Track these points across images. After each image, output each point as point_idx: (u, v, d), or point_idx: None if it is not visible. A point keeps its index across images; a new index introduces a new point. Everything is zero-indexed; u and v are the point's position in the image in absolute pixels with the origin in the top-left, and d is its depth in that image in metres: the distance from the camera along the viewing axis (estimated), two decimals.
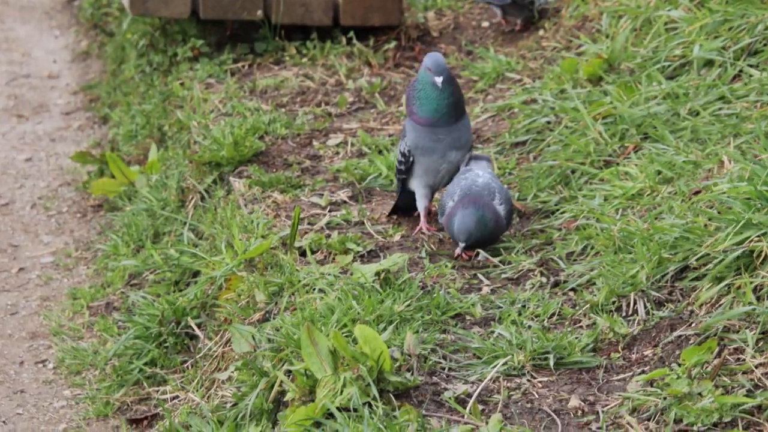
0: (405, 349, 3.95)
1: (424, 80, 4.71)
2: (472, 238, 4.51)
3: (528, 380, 3.92)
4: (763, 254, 3.96)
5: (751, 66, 5.04)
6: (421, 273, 4.46)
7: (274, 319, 4.37)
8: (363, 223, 4.87)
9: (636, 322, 4.10)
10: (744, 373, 3.69)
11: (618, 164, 4.86)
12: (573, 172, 4.95)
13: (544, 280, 4.40)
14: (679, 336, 3.95)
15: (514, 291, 4.35)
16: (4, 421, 4.76)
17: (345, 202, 5.07)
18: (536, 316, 4.19)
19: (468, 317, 4.23)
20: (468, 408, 3.77)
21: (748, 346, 3.76)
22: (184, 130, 6.04)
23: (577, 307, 4.22)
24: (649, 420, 3.67)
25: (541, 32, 6.21)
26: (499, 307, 4.26)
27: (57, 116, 7.12)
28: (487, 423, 3.68)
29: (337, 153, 5.52)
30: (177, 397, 4.62)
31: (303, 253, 4.67)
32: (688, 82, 5.11)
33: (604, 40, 5.70)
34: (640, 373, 3.88)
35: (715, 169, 4.54)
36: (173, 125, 6.17)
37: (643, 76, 5.26)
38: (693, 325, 3.97)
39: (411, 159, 4.76)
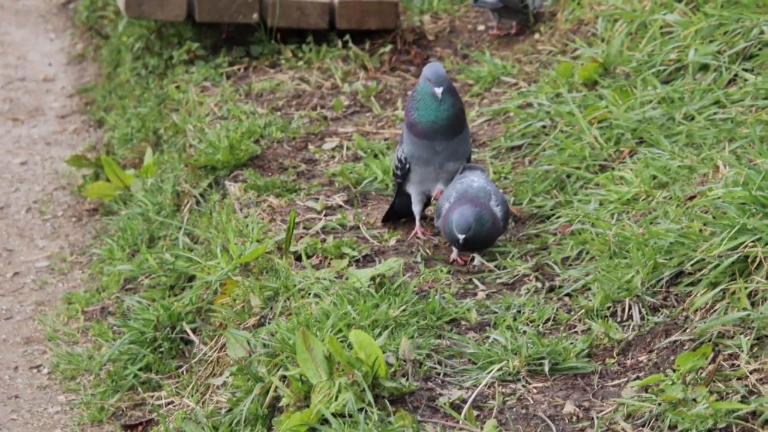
0: (400, 354, 3.95)
1: (424, 91, 4.68)
2: (472, 230, 4.47)
3: (523, 386, 3.92)
4: (758, 260, 3.96)
5: (746, 70, 5.05)
6: (416, 278, 4.46)
7: (269, 323, 4.37)
8: (358, 228, 4.87)
9: (631, 327, 4.10)
10: (739, 378, 3.69)
11: (613, 169, 4.86)
12: (568, 176, 4.95)
13: (539, 285, 4.40)
14: (674, 341, 3.95)
15: (510, 296, 4.35)
16: None
17: (340, 206, 5.07)
18: (531, 322, 4.19)
19: (463, 322, 4.23)
20: (463, 414, 3.77)
21: (742, 351, 3.76)
22: (179, 133, 6.04)
23: (572, 313, 4.22)
24: (643, 426, 3.67)
25: (536, 36, 6.21)
26: (495, 313, 4.26)
27: (52, 120, 7.12)
28: (482, 429, 3.68)
29: (333, 157, 5.52)
30: (172, 402, 4.61)
31: (298, 258, 4.66)
32: (683, 87, 5.12)
33: (599, 44, 5.70)
34: (635, 379, 3.88)
35: (710, 173, 4.54)
36: (169, 129, 6.17)
37: (638, 80, 5.26)
38: (688, 330, 3.97)
39: (407, 166, 4.75)
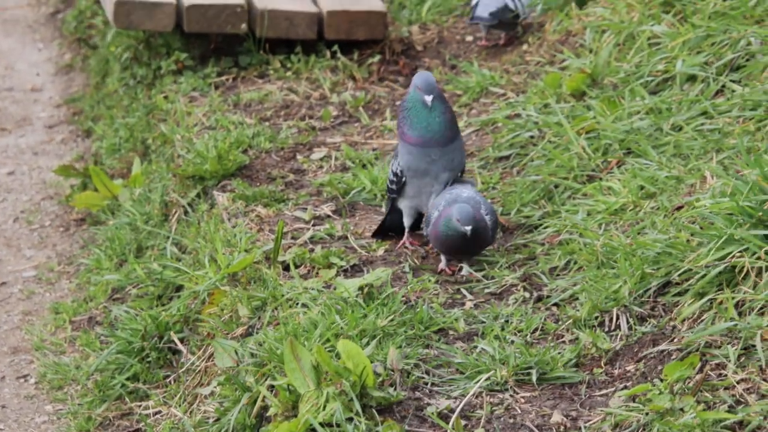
0: (388, 364, 3.95)
1: (414, 99, 4.68)
2: (473, 222, 4.45)
3: (511, 395, 3.92)
4: (745, 270, 3.97)
5: (733, 81, 5.06)
6: (404, 288, 4.46)
7: (257, 333, 4.37)
8: (347, 238, 4.87)
9: (618, 337, 4.10)
10: (726, 388, 3.69)
11: (601, 179, 4.87)
12: (556, 186, 4.96)
13: (527, 295, 4.41)
14: (662, 351, 3.96)
15: (497, 306, 4.35)
16: None
17: (329, 216, 5.08)
18: (519, 331, 4.19)
19: (451, 332, 4.23)
20: (451, 423, 3.77)
21: (729, 361, 3.77)
22: (167, 143, 6.04)
23: (559, 322, 4.23)
24: None
25: (524, 47, 6.22)
26: (482, 322, 4.26)
27: (40, 129, 7.11)
28: None
29: (321, 167, 5.52)
30: (159, 412, 4.60)
31: (286, 268, 4.66)
32: (670, 98, 5.13)
33: (587, 54, 5.71)
34: (622, 389, 3.88)
35: (698, 184, 4.55)
36: (157, 139, 6.17)
37: (626, 91, 5.28)
38: (675, 340, 3.98)
39: (403, 180, 4.73)
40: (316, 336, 4.10)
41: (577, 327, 4.17)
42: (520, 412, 3.85)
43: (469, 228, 4.44)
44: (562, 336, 4.17)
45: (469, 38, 6.57)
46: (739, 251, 4.01)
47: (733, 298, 3.94)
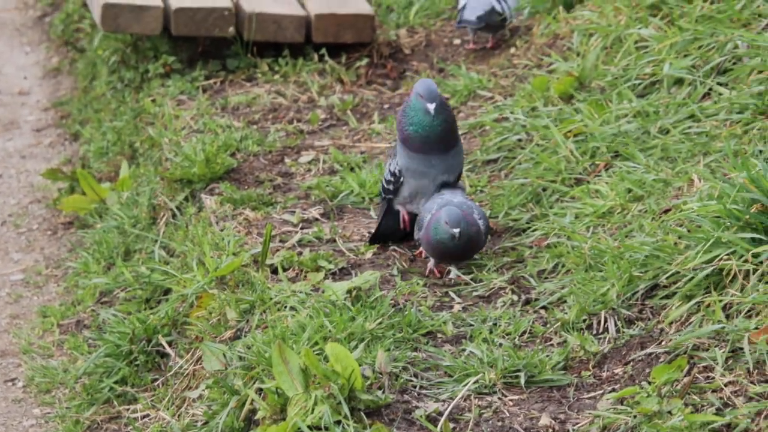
0: (376, 367, 3.95)
1: (416, 107, 4.65)
2: (461, 225, 4.45)
3: (499, 398, 3.92)
4: (733, 273, 3.98)
5: (720, 84, 5.07)
6: (392, 291, 4.46)
7: (245, 336, 4.36)
8: (335, 241, 4.87)
9: (606, 340, 4.11)
10: (713, 391, 3.70)
11: (589, 182, 4.88)
12: (544, 189, 4.97)
13: (515, 297, 4.41)
14: (649, 354, 3.96)
15: (486, 309, 4.36)
16: None
17: (317, 219, 5.08)
18: (507, 334, 4.20)
19: (439, 335, 4.23)
20: (439, 426, 3.77)
21: (717, 364, 3.77)
22: (155, 147, 6.03)
23: (548, 325, 4.23)
24: None
25: (512, 50, 6.23)
26: (471, 325, 4.26)
27: (27, 133, 7.10)
28: None
29: (309, 170, 5.52)
30: (147, 415, 4.60)
31: (274, 271, 4.66)
32: (658, 101, 5.14)
33: (575, 58, 5.72)
34: (610, 391, 3.89)
35: (685, 187, 4.56)
36: (144, 142, 6.16)
37: (613, 94, 5.29)
38: (663, 343, 3.98)
39: (401, 180, 4.73)
40: (305, 339, 4.10)
41: (565, 330, 4.17)
42: (508, 414, 3.85)
43: (457, 231, 4.44)
44: (551, 339, 4.18)
45: (457, 41, 6.57)
46: (727, 254, 4.02)
47: (720, 300, 3.95)
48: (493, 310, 4.34)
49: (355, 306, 4.30)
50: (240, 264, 4.67)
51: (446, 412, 3.83)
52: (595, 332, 4.15)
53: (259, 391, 4.01)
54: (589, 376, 4.00)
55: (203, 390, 4.32)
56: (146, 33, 6.52)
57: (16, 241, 6.10)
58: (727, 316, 3.92)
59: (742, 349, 3.78)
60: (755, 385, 3.68)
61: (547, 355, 4.05)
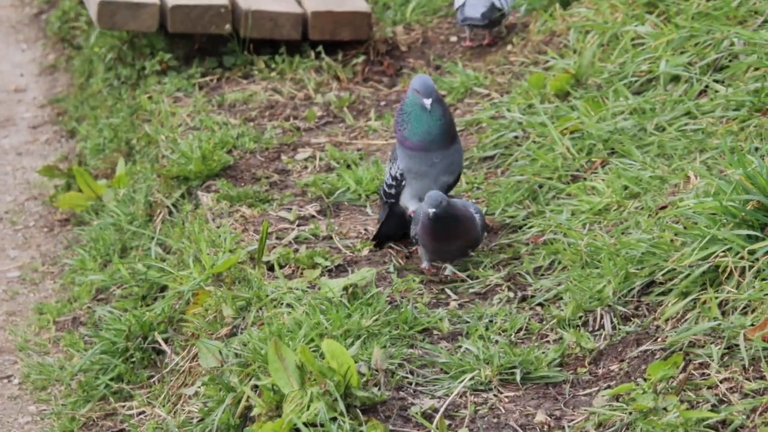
0: (372, 363, 3.95)
1: (413, 103, 4.61)
2: (443, 205, 4.37)
3: (495, 395, 3.92)
4: (729, 269, 3.99)
5: (716, 81, 5.08)
6: (388, 288, 4.46)
7: (241, 333, 4.36)
8: (331, 238, 4.87)
9: (602, 336, 4.11)
10: (709, 388, 3.70)
11: (585, 179, 4.88)
12: (540, 186, 4.97)
13: (511, 294, 4.41)
14: (645, 351, 3.97)
15: (482, 306, 4.36)
16: None
17: (313, 216, 5.08)
18: (503, 331, 4.20)
19: (435, 332, 4.23)
20: (435, 423, 3.77)
21: (713, 361, 3.78)
22: (151, 144, 6.03)
23: (544, 322, 4.23)
24: None
25: (509, 47, 6.23)
26: (467, 322, 4.26)
27: (24, 130, 7.10)
28: None
29: (306, 167, 5.52)
30: (143, 412, 4.60)
31: (271, 268, 4.66)
32: (654, 98, 5.14)
33: (571, 55, 5.72)
34: (606, 388, 3.89)
35: (681, 184, 4.56)
36: (141, 139, 6.16)
37: (610, 91, 5.28)
38: (659, 339, 3.99)
39: (403, 183, 4.68)
40: (301, 336, 4.10)
41: (561, 327, 4.17)
42: (504, 411, 3.86)
43: (432, 211, 4.38)
44: (547, 336, 4.18)
45: (454, 39, 6.57)
46: (723, 251, 4.02)
47: (716, 297, 3.95)
48: (489, 307, 4.34)
49: (351, 303, 4.30)
50: (236, 261, 4.67)
51: (442, 409, 3.83)
52: (591, 329, 4.16)
53: (255, 388, 4.01)
54: (585, 372, 4.00)
55: (199, 387, 4.32)
56: (143, 30, 6.52)
57: (13, 238, 6.10)
58: (723, 313, 3.92)
59: (737, 345, 3.78)
60: (751, 381, 3.68)
61: (543, 352, 4.05)
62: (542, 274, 4.50)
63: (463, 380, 3.94)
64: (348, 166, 5.44)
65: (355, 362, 3.86)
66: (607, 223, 4.57)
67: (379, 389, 3.89)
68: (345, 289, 4.37)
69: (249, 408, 4.01)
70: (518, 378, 3.97)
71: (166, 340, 4.77)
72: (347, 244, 4.83)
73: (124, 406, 4.69)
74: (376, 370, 3.94)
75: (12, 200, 6.41)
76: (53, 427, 4.76)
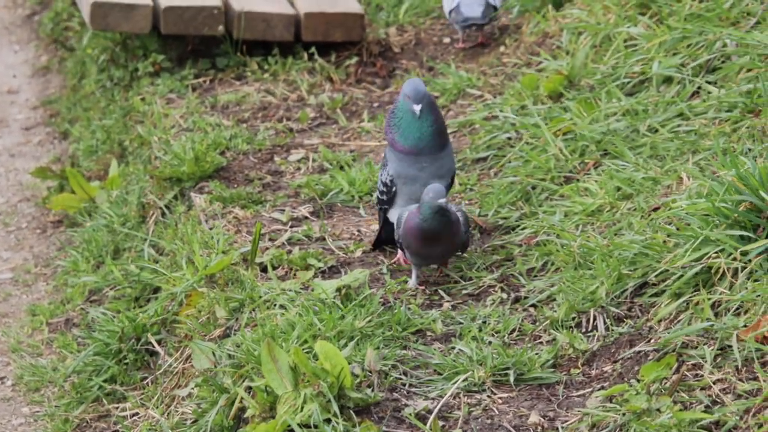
0: (366, 365, 3.95)
1: (404, 108, 4.59)
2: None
3: (488, 396, 3.93)
4: (721, 270, 3.99)
5: (709, 83, 5.08)
6: (382, 289, 4.46)
7: (234, 335, 4.36)
8: (324, 239, 4.87)
9: (596, 338, 4.11)
10: (702, 389, 3.71)
11: (578, 180, 4.89)
12: (533, 188, 4.97)
13: (504, 296, 4.42)
14: (638, 352, 3.97)
15: (475, 307, 4.36)
16: None
17: (306, 217, 5.08)
18: (497, 332, 4.20)
19: (429, 333, 4.24)
20: (428, 424, 3.77)
21: (706, 362, 3.78)
22: (144, 145, 6.03)
23: (537, 323, 4.24)
24: None
25: (501, 48, 6.23)
26: (460, 323, 4.27)
27: (17, 131, 7.09)
28: None
29: (299, 168, 5.52)
30: (137, 414, 4.60)
31: (264, 269, 4.66)
32: (647, 99, 5.15)
33: (564, 56, 5.73)
34: (599, 389, 3.89)
35: (674, 185, 4.57)
36: (134, 140, 6.16)
37: (602, 92, 5.29)
38: (652, 341, 3.99)
39: (393, 189, 4.67)
40: (294, 337, 4.10)
41: (555, 328, 4.18)
42: (497, 412, 3.86)
43: (443, 201, 4.30)
44: (540, 337, 4.18)
45: (447, 40, 6.58)
46: (715, 252, 4.03)
47: (709, 298, 3.95)
48: (482, 308, 4.34)
49: (344, 304, 4.30)
50: (229, 262, 4.67)
51: (435, 410, 3.83)
52: (584, 330, 4.16)
53: (249, 389, 4.01)
54: (578, 374, 4.00)
55: (192, 388, 4.31)
56: (135, 31, 6.52)
57: (5, 239, 6.09)
58: (716, 314, 3.93)
59: (730, 346, 3.79)
60: (744, 382, 3.69)
61: (537, 353, 4.06)
62: (535, 276, 4.50)
63: (457, 381, 3.94)
64: (341, 168, 5.45)
65: (349, 363, 3.86)
66: (600, 224, 4.57)
67: (373, 390, 3.89)
68: (338, 290, 4.37)
69: (242, 409, 4.01)
70: (512, 379, 3.97)
71: (159, 342, 4.77)
72: (340, 245, 4.83)
73: (117, 408, 4.69)
74: (370, 372, 3.95)
75: (5, 202, 6.41)
76: (46, 429, 4.76)
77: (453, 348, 4.12)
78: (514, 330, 4.21)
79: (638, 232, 4.33)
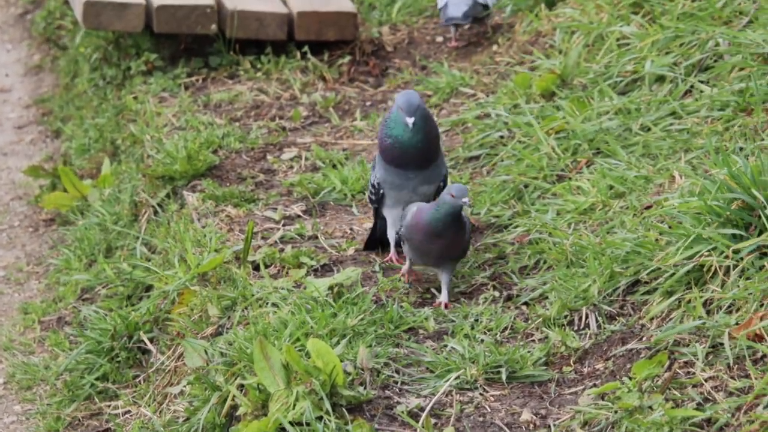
0: (358, 363, 3.95)
1: (397, 120, 4.53)
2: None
3: (480, 394, 3.93)
4: (713, 269, 3.99)
5: (701, 82, 5.09)
6: (374, 287, 4.46)
7: (226, 333, 4.36)
8: (317, 237, 4.87)
9: (588, 335, 4.12)
10: (694, 386, 3.71)
11: (570, 179, 4.89)
12: (526, 186, 4.97)
13: (496, 294, 4.42)
14: (630, 349, 3.97)
15: (467, 305, 4.36)
16: None
17: (299, 216, 5.07)
18: (489, 330, 4.20)
19: (421, 331, 4.24)
20: (421, 422, 3.77)
21: (697, 359, 3.78)
22: (137, 143, 6.02)
23: (529, 321, 4.24)
24: None
25: (494, 47, 6.24)
26: (452, 321, 4.27)
27: (9, 130, 7.08)
28: None
29: (291, 167, 5.52)
30: (129, 412, 4.59)
31: (256, 267, 4.66)
32: (639, 98, 5.15)
33: (557, 55, 5.73)
34: (591, 387, 3.90)
35: (666, 184, 4.57)
36: (126, 139, 6.15)
37: (595, 91, 5.30)
38: (644, 338, 3.99)
39: (381, 191, 4.65)
40: (286, 335, 4.10)
41: (547, 326, 4.18)
42: (489, 410, 3.86)
43: (466, 200, 4.26)
44: (532, 335, 4.18)
45: (439, 39, 6.58)
46: (708, 250, 4.03)
47: (701, 296, 3.96)
48: (474, 306, 4.34)
49: (336, 302, 4.30)
50: (222, 261, 4.67)
51: (428, 408, 3.83)
52: (576, 328, 4.16)
53: (241, 387, 4.01)
54: (571, 371, 4.00)
55: (185, 386, 4.31)
56: (128, 30, 6.51)
57: None
58: (708, 312, 3.93)
59: (722, 344, 3.79)
60: (735, 380, 3.69)
61: (529, 351, 4.06)
62: (528, 274, 4.50)
63: (449, 379, 3.94)
64: (334, 166, 5.45)
65: (341, 361, 3.86)
66: (592, 222, 4.58)
67: (365, 388, 3.89)
68: (330, 288, 4.37)
69: (235, 407, 4.01)
70: (504, 377, 3.97)
71: (151, 340, 4.76)
72: (333, 243, 4.83)
73: (109, 406, 4.69)
74: (362, 369, 3.94)
75: None
76: (38, 427, 4.75)
77: (445, 346, 4.12)
78: (506, 328, 4.21)
79: (630, 231, 4.33)
